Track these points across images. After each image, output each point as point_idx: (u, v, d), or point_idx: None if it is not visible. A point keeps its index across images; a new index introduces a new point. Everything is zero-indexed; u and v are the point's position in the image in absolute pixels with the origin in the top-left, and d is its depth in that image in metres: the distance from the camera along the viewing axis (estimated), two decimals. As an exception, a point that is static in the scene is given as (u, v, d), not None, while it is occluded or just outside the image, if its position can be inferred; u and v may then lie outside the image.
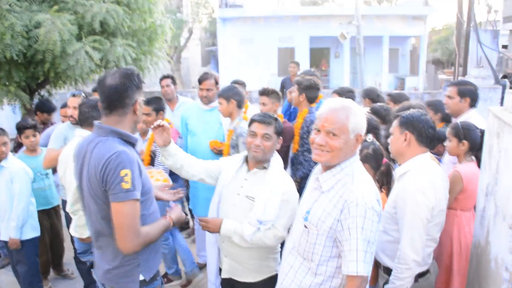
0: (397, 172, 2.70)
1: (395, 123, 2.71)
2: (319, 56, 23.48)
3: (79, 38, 5.72)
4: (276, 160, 2.82)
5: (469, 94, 3.92)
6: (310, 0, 36.27)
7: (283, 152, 4.02)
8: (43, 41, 5.27)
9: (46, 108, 5.54)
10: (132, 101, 2.24)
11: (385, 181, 3.61)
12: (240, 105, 3.98)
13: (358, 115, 2.03)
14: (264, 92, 4.35)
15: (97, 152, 2.13)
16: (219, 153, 4.25)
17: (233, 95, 3.93)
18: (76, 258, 4.01)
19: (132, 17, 6.35)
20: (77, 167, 2.28)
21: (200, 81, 4.42)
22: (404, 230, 2.48)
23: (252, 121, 2.79)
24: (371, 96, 4.86)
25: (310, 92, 4.31)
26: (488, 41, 7.39)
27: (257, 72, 18.84)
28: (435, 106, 4.47)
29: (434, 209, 2.52)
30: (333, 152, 2.02)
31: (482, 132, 3.16)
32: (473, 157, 3.20)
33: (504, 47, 26.30)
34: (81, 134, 3.26)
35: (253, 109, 4.98)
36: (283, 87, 7.95)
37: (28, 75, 5.84)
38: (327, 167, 2.10)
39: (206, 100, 4.38)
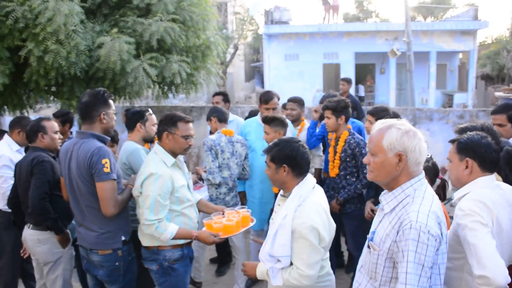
0: (455, 195, 2.51)
1: (453, 149, 2.51)
2: (364, 72, 23.27)
3: (137, 56, 5.93)
4: (302, 190, 2.57)
5: None
6: (354, 16, 36.18)
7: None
8: (104, 61, 5.51)
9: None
10: (98, 113, 2.99)
11: (442, 195, 3.61)
12: (220, 119, 4.42)
13: (394, 133, 2.01)
14: (265, 120, 4.16)
15: (84, 148, 2.91)
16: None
17: (211, 114, 4.44)
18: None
19: (187, 34, 6.52)
20: (65, 162, 3.02)
21: (267, 101, 4.50)
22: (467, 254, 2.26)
23: None
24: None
25: (347, 111, 4.18)
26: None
27: (302, 88, 18.86)
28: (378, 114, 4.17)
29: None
30: (374, 171, 2.09)
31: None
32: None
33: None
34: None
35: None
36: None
37: (89, 91, 6.09)
38: (389, 188, 2.10)
39: None
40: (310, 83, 20.25)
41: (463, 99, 21.06)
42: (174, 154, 3.11)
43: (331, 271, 2.77)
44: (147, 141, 3.85)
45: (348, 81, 8.01)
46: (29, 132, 3.64)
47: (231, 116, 5.42)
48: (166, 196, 2.96)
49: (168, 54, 6.37)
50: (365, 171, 4.07)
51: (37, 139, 3.61)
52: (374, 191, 4.28)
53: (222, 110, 4.49)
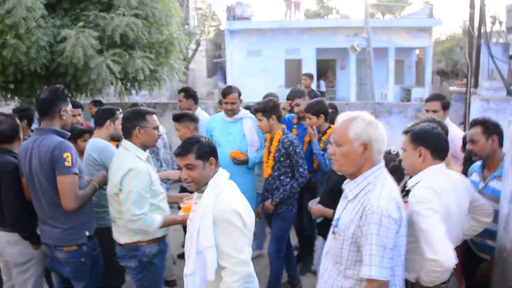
0: (409, 183, 2.67)
1: (407, 139, 2.66)
2: (326, 67, 23.65)
3: (100, 51, 5.84)
4: (218, 180, 2.54)
5: (448, 106, 4.09)
6: (315, 12, 36.60)
7: None
8: (67, 56, 5.38)
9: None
10: (58, 109, 3.03)
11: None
12: None
13: (360, 124, 2.13)
14: (173, 118, 4.18)
15: (44, 144, 2.93)
16: (239, 163, 4.36)
17: None
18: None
19: (150, 30, 6.47)
20: (25, 161, 3.02)
21: (225, 95, 4.49)
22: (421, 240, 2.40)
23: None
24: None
25: (278, 110, 4.15)
26: (499, 54, 7.45)
27: (264, 84, 18.95)
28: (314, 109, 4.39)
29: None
30: (340, 161, 2.18)
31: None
32: None
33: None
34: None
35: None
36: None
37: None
38: (352, 177, 2.22)
39: (231, 113, 4.47)
40: (272, 79, 20.38)
41: (420, 94, 21.70)
42: (146, 148, 3.15)
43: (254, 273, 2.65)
44: (114, 139, 3.82)
45: (310, 76, 8.14)
46: None
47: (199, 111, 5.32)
48: (147, 190, 3.01)
49: (131, 50, 6.30)
50: (300, 170, 4.04)
51: None
52: (310, 193, 4.45)
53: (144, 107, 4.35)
